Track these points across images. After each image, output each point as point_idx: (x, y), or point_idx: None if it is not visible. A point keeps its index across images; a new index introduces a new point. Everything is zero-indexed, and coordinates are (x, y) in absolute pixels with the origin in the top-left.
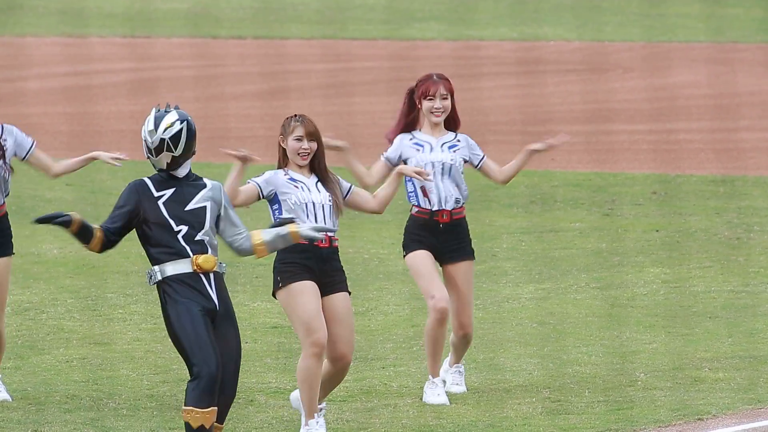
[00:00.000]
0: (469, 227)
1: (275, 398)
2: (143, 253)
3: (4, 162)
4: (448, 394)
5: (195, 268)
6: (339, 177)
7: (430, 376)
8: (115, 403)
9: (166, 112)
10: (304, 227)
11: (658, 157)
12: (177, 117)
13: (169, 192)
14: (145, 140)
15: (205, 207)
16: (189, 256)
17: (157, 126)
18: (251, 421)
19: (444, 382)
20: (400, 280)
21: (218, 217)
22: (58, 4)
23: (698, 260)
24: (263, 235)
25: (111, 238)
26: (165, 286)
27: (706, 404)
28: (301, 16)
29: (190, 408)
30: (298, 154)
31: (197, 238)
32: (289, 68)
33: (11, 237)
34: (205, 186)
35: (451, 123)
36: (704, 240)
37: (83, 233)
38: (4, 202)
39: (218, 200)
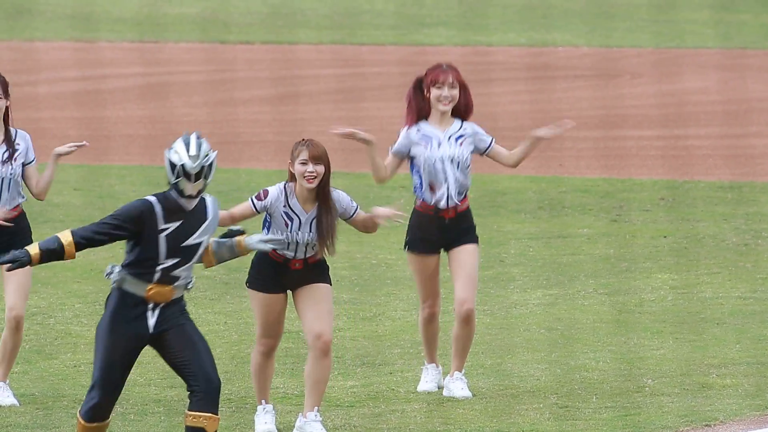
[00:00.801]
0: (473, 217)
1: (283, 403)
2: None
3: (12, 163)
4: (454, 400)
5: (146, 295)
6: (346, 197)
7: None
8: (122, 408)
9: (200, 138)
10: (253, 239)
11: (666, 163)
12: (209, 146)
13: (174, 225)
14: (182, 165)
15: (200, 243)
16: (150, 283)
17: (199, 151)
18: (248, 423)
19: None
20: (408, 285)
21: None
22: (68, 9)
23: (706, 266)
24: (212, 244)
25: (87, 239)
26: (116, 291)
27: (713, 410)
28: (311, 22)
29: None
30: (304, 177)
31: (175, 272)
32: (298, 73)
33: (31, 235)
34: (206, 215)
35: (463, 111)
36: (712, 246)
37: (50, 258)
38: (19, 204)
39: (214, 227)
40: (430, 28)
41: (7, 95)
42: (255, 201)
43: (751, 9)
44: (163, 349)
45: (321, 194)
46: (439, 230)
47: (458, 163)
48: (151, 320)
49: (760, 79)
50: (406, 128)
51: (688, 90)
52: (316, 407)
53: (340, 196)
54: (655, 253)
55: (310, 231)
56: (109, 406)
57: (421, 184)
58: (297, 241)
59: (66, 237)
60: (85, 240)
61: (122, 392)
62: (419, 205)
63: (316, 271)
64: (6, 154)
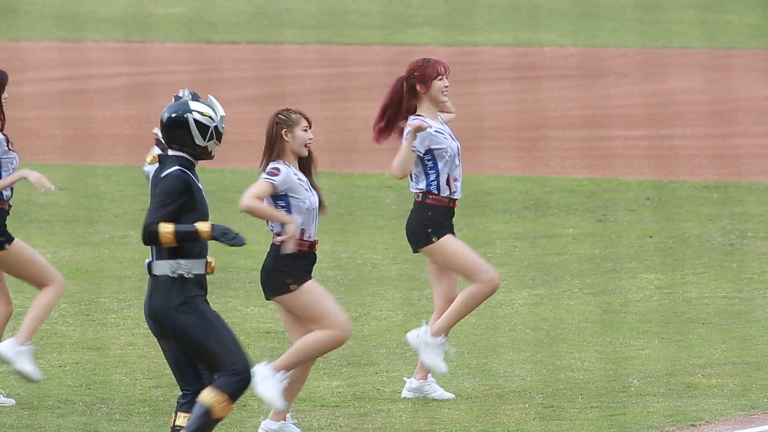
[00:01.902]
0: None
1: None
2: (136, 258)
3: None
4: (440, 399)
5: (209, 271)
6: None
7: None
8: (108, 408)
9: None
10: (218, 229)
11: (652, 162)
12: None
13: (200, 184)
14: (216, 126)
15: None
16: (205, 258)
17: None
18: (244, 426)
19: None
20: (394, 285)
21: None
22: (53, 9)
23: (692, 266)
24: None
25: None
26: (177, 282)
27: (699, 410)
28: (296, 21)
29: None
30: (305, 144)
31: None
32: (284, 73)
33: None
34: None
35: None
36: (698, 246)
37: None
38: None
39: None
40: (416, 28)
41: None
42: (271, 177)
43: (736, 9)
44: None
45: (307, 162)
46: (451, 221)
47: (460, 153)
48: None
49: (745, 79)
50: (416, 120)
51: (673, 90)
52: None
53: None
54: (640, 253)
55: (313, 191)
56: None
57: (437, 179)
58: (315, 207)
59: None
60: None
61: (107, 392)
62: (432, 199)
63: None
64: None
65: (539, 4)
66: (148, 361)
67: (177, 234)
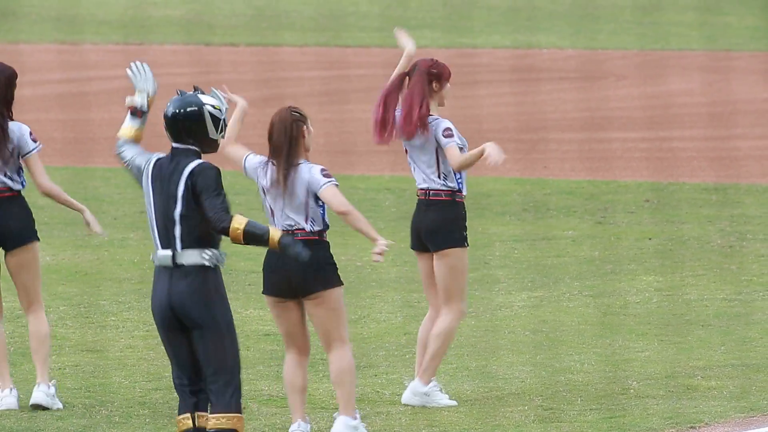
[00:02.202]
0: None
1: (268, 406)
2: (136, 260)
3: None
4: (441, 409)
5: (233, 236)
6: None
7: (434, 381)
8: (107, 411)
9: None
10: (286, 238)
11: (651, 165)
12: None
13: None
14: (222, 119)
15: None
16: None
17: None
18: (244, 429)
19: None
20: (393, 287)
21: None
22: (52, 11)
23: (691, 268)
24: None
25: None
26: (213, 272)
27: (698, 412)
28: (295, 24)
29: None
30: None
31: None
32: (282, 75)
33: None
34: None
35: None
36: (697, 248)
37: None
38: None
39: None
40: (415, 30)
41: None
42: (333, 179)
43: (735, 11)
44: None
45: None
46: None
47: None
48: None
49: (744, 81)
50: (447, 120)
51: (672, 92)
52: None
53: None
54: (639, 255)
55: None
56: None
57: (462, 176)
58: None
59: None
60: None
61: (107, 395)
62: (460, 197)
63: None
64: None
65: (538, 6)
66: (148, 364)
67: (246, 234)
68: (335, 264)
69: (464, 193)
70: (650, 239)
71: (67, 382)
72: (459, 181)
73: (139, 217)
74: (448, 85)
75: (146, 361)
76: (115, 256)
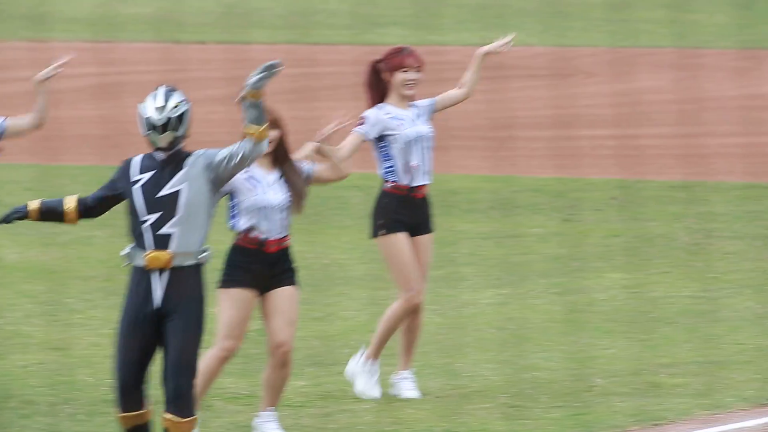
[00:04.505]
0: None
1: (233, 403)
2: (103, 258)
3: None
4: (404, 399)
5: (145, 264)
6: (301, 162)
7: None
8: (72, 409)
9: (170, 91)
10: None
11: (618, 162)
12: (183, 98)
13: (147, 175)
14: (148, 117)
15: (178, 192)
16: (145, 250)
17: (165, 103)
18: (208, 427)
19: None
20: (360, 285)
21: (216, 179)
22: (21, 9)
23: (657, 266)
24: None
25: (87, 205)
26: (130, 270)
27: (663, 410)
28: (264, 21)
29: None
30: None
31: (163, 230)
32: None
33: None
34: (183, 166)
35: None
36: (663, 245)
37: (49, 216)
38: None
39: (199, 172)
40: (384, 28)
41: None
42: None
43: (704, 8)
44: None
45: (279, 156)
46: (411, 211)
47: (428, 140)
48: (158, 293)
49: (713, 78)
50: (372, 111)
51: (642, 89)
52: (271, 408)
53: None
54: (606, 253)
55: (279, 191)
56: (131, 392)
57: (394, 166)
58: (270, 205)
59: (70, 200)
60: (86, 199)
61: (71, 393)
62: (390, 187)
63: (287, 270)
64: None
65: (507, 3)
66: (113, 362)
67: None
68: (225, 264)
69: (404, 182)
70: (617, 237)
71: (31, 380)
72: (387, 169)
73: (106, 214)
74: (402, 74)
75: (112, 359)
76: (81, 254)
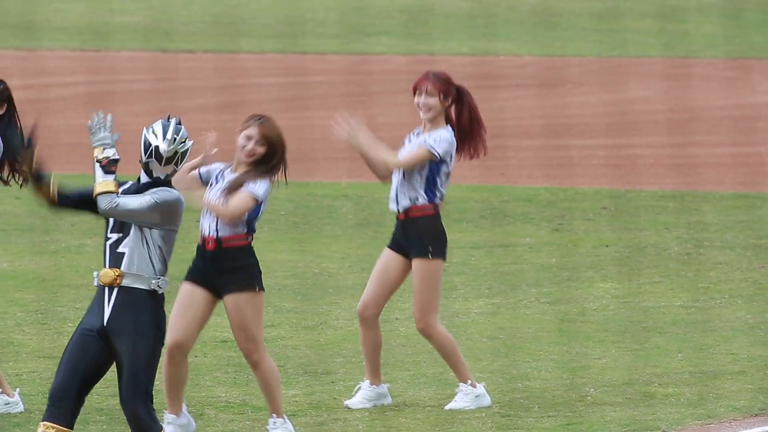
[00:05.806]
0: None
1: (225, 412)
2: (93, 266)
3: None
4: (397, 409)
5: (99, 279)
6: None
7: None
8: None
9: (179, 124)
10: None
11: (609, 172)
12: (187, 134)
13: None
14: (155, 146)
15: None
16: (104, 267)
17: (176, 137)
18: None
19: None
20: (350, 294)
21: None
22: (9, 17)
23: (648, 275)
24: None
25: (62, 193)
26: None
27: (655, 419)
28: (253, 30)
29: None
30: (243, 151)
31: (119, 249)
32: (241, 82)
33: None
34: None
35: (452, 124)
36: (654, 255)
37: (39, 181)
38: None
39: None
40: (373, 37)
41: None
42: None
43: (693, 18)
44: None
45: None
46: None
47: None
48: (106, 310)
49: (703, 88)
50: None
51: (631, 99)
52: (274, 414)
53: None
54: (597, 262)
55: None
56: (59, 401)
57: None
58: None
59: (55, 182)
60: (65, 188)
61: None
62: (436, 208)
63: (228, 273)
64: None
65: (496, 13)
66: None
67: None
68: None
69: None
70: (608, 246)
71: (24, 389)
72: (436, 192)
73: (96, 223)
74: (416, 98)
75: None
76: (72, 263)
